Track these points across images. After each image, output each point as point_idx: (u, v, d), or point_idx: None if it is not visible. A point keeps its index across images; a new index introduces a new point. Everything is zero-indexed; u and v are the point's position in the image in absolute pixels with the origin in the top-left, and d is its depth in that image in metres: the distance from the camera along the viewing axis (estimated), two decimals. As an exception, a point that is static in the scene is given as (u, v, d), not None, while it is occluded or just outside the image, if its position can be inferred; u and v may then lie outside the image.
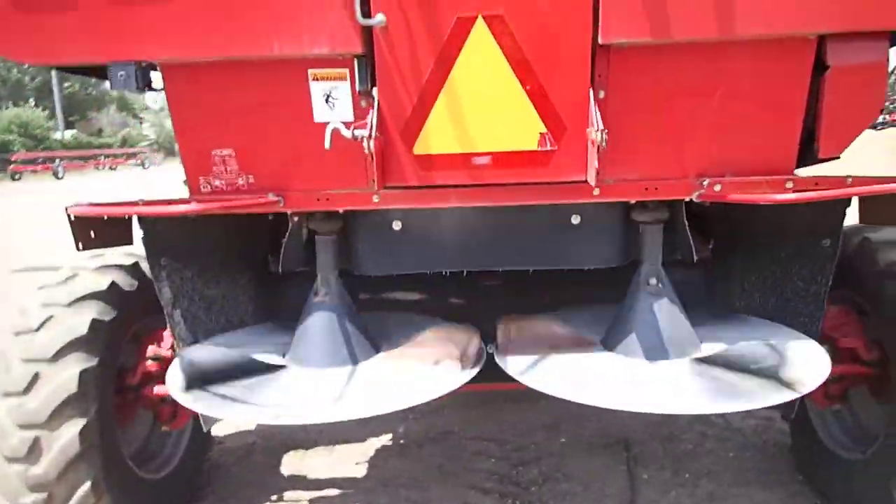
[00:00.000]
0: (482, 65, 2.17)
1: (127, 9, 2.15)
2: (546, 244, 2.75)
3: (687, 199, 2.40)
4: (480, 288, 3.20)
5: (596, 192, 2.34)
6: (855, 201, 2.52)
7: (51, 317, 2.55)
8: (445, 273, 2.95)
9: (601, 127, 2.08)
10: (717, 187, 2.34)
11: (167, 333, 2.86)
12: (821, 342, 2.61)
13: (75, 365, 2.48)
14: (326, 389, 2.46)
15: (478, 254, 2.80)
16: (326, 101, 2.30)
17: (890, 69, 2.41)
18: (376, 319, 2.94)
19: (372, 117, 2.20)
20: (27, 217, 14.74)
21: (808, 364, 2.44)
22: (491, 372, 2.61)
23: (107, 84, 2.32)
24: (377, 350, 2.75)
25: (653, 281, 2.61)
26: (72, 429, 2.44)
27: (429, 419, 4.07)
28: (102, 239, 2.62)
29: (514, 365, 2.57)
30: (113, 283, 2.74)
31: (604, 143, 2.07)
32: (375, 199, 2.42)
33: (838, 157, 2.40)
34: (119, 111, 52.05)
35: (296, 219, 2.80)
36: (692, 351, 2.58)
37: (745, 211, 2.76)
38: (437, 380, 2.47)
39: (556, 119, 2.22)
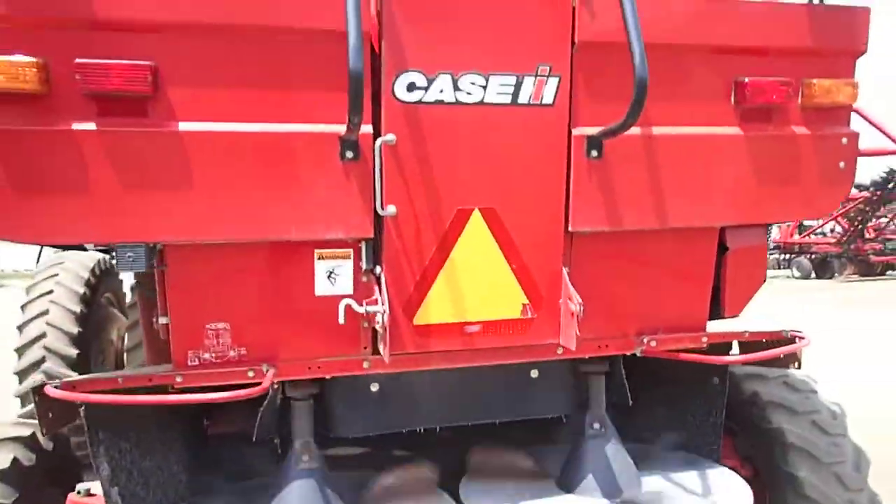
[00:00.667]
0: (477, 247, 2.51)
1: (138, 193, 2.17)
2: (510, 398, 3.04)
3: (629, 353, 2.86)
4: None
5: (559, 350, 2.72)
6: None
7: None
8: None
9: (580, 301, 2.48)
10: (653, 343, 2.83)
11: None
12: None
13: None
14: None
15: (450, 410, 3.01)
16: (328, 276, 2.48)
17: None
18: (343, 478, 2.98)
19: (383, 294, 2.41)
20: None
21: (731, 493, 2.95)
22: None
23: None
24: None
25: (596, 426, 3.00)
26: None
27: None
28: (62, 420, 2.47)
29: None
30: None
31: (581, 313, 2.47)
32: (366, 364, 2.58)
33: (737, 316, 3.02)
34: None
35: (276, 386, 2.83)
36: (637, 489, 2.96)
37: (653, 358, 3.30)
38: None
39: (535, 291, 2.59)
